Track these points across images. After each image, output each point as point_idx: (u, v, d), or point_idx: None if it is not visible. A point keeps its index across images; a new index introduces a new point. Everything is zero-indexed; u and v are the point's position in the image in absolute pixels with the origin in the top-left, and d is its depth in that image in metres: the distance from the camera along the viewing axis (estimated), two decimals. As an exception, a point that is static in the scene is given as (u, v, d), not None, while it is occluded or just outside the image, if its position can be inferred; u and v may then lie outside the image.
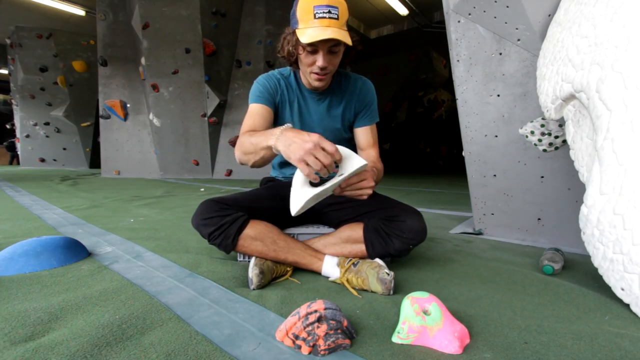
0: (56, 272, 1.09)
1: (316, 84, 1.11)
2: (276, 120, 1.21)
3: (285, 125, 0.87)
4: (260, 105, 1.15)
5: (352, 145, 1.34)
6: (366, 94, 1.25)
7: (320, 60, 1.03)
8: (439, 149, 11.41)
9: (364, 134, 1.26)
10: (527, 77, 1.53)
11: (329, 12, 0.97)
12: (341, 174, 0.84)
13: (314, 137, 0.77)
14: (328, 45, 1.01)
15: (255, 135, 0.94)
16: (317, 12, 0.97)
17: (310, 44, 1.00)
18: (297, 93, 1.21)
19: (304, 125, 1.23)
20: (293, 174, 1.28)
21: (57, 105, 8.91)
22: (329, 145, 0.77)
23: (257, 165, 0.99)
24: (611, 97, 0.87)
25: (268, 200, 1.18)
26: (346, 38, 0.98)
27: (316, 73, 1.07)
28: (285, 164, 1.33)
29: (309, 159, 0.76)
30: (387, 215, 1.09)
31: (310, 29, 0.98)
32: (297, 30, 1.01)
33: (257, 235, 1.04)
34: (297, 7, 1.01)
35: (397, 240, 1.05)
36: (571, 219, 1.49)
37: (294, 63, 1.13)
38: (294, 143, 0.79)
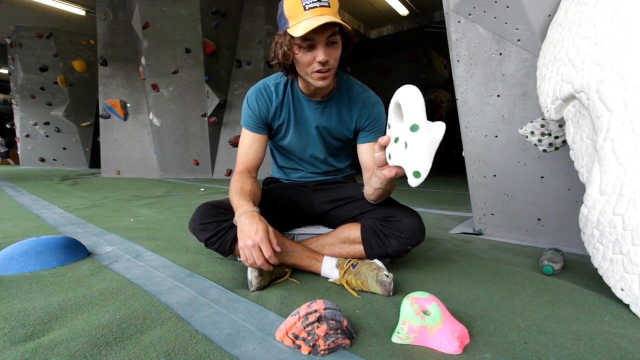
0: (56, 271, 1.09)
1: (320, 83, 1.00)
2: (277, 134, 1.19)
3: (247, 210, 0.93)
4: (251, 134, 1.13)
5: (345, 154, 1.31)
6: (372, 108, 1.16)
7: (320, 54, 0.94)
8: (439, 148, 11.42)
9: (371, 152, 1.14)
10: (527, 78, 1.53)
11: (319, 0, 0.90)
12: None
13: (257, 237, 0.86)
14: (325, 36, 0.93)
15: (235, 197, 1.00)
16: (306, 4, 0.90)
17: (307, 38, 0.92)
18: (293, 102, 1.14)
19: (301, 137, 1.18)
20: (297, 177, 1.28)
21: (57, 104, 8.91)
22: (266, 249, 0.86)
23: None
24: (611, 98, 0.87)
25: (269, 204, 1.15)
26: (343, 23, 0.92)
27: (318, 71, 0.97)
28: (288, 169, 1.30)
29: (245, 252, 0.88)
30: (384, 215, 1.08)
31: (302, 22, 0.90)
32: (288, 30, 0.93)
33: None
34: (284, 6, 0.94)
35: (394, 241, 1.04)
36: (571, 220, 1.49)
37: (291, 70, 1.04)
38: (242, 232, 0.89)
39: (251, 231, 0.87)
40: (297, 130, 1.17)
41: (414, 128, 0.74)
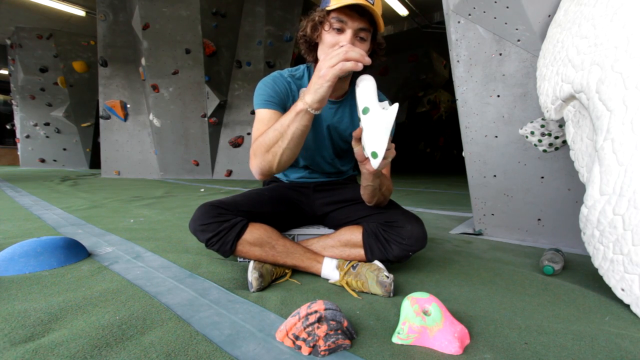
0: (56, 272, 1.09)
1: None
2: None
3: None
4: (272, 111, 1.03)
5: (350, 157, 1.29)
6: None
7: (345, 39, 0.94)
8: (436, 141, 11.36)
9: None
10: (527, 78, 1.53)
11: None
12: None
13: (341, 48, 0.80)
14: (357, 26, 0.94)
15: (274, 125, 0.91)
16: None
17: (340, 20, 0.93)
18: None
19: (314, 135, 1.14)
20: (298, 177, 1.28)
21: (57, 105, 8.91)
22: (355, 51, 0.80)
23: (285, 157, 0.91)
24: (611, 98, 0.87)
25: (270, 204, 1.15)
26: (378, 17, 0.93)
27: None
28: (290, 168, 1.28)
29: (348, 54, 0.79)
30: (386, 219, 1.08)
31: (343, 3, 0.91)
32: (326, 8, 0.95)
33: (255, 240, 1.03)
34: None
35: (396, 247, 1.04)
36: (571, 220, 1.49)
37: (312, 50, 1.05)
38: (320, 70, 0.81)
39: (325, 60, 0.81)
40: (312, 128, 1.12)
41: (365, 111, 0.79)
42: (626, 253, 0.85)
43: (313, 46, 1.05)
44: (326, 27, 0.97)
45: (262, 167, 0.94)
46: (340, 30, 0.95)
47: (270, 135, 0.90)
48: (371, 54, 1.04)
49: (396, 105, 0.78)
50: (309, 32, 1.01)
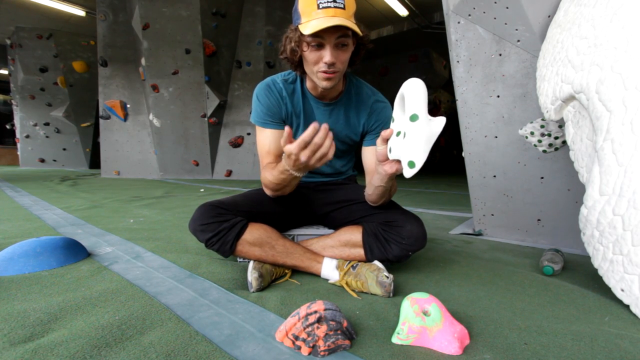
0: (56, 272, 1.09)
1: (324, 83, 0.99)
2: None
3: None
4: (269, 132, 1.10)
5: (349, 157, 1.30)
6: (380, 112, 1.15)
7: (327, 55, 0.93)
8: (436, 141, 11.36)
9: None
10: (526, 78, 1.53)
11: (334, 0, 0.89)
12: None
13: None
14: (335, 37, 0.92)
15: (272, 174, 1.00)
16: (320, 2, 0.89)
17: (315, 36, 0.91)
18: (302, 102, 1.12)
19: None
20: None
21: (57, 105, 8.91)
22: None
23: (289, 190, 1.03)
24: (611, 98, 0.87)
25: (270, 204, 1.15)
26: (354, 27, 0.90)
27: (324, 71, 0.96)
28: None
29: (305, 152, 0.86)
30: (386, 219, 1.08)
31: (313, 20, 0.89)
32: (299, 26, 0.93)
33: (255, 240, 1.03)
34: (299, 1, 0.94)
35: (395, 247, 1.04)
36: (571, 220, 1.49)
37: (299, 65, 1.05)
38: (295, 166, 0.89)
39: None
40: (304, 129, 1.15)
41: (414, 118, 0.76)
42: (626, 253, 0.85)
43: (298, 63, 1.04)
44: (305, 47, 0.96)
45: (274, 195, 1.07)
46: (320, 46, 0.94)
47: (273, 183, 1.00)
48: (356, 49, 1.02)
49: (443, 119, 0.76)
50: (289, 54, 1.02)
